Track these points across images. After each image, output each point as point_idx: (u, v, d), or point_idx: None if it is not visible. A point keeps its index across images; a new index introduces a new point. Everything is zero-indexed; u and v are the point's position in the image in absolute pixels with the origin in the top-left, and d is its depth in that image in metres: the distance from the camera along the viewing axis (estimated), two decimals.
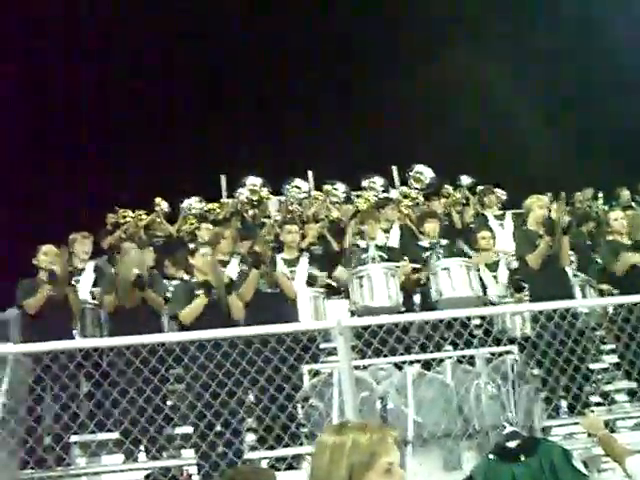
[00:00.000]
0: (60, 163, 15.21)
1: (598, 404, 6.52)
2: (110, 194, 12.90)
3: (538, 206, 7.17)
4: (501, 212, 10.29)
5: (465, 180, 12.10)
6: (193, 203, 11.86)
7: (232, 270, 7.45)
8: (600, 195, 12.82)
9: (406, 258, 8.01)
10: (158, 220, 11.20)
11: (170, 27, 16.53)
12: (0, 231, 13.11)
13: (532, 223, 7.19)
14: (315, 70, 17.79)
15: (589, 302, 7.14)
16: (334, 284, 8.78)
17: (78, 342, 5.47)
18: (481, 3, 17.57)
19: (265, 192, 11.65)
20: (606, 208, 11.58)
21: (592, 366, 6.80)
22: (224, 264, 7.49)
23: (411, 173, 12.27)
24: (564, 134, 16.90)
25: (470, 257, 8.46)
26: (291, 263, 7.95)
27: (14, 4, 14.95)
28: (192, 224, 11.19)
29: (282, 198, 11.98)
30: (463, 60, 17.01)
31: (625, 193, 12.60)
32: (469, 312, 5.75)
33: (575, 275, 8.14)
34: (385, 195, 11.69)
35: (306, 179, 12.79)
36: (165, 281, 8.01)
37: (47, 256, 6.82)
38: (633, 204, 12.48)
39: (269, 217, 11.41)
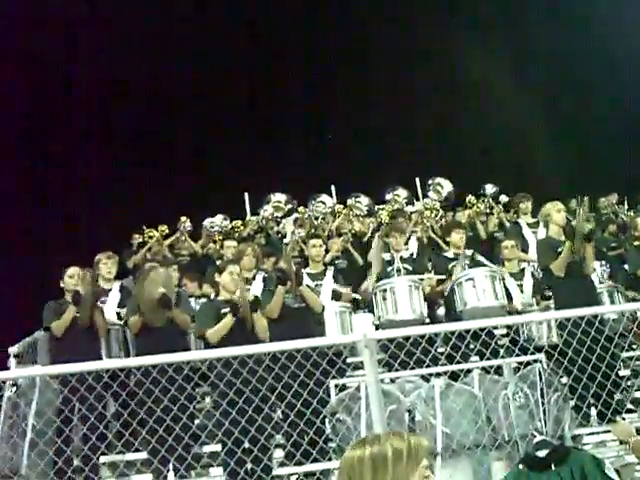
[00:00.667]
0: (88, 184, 15.40)
1: (629, 411, 6.43)
2: (135, 214, 13.00)
3: (556, 210, 7.11)
4: (535, 220, 10.20)
5: (489, 189, 12.06)
6: (217, 221, 11.89)
7: (257, 287, 7.46)
8: (625, 200, 12.74)
9: (431, 269, 8.00)
10: (182, 238, 11.26)
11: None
12: (30, 253, 13.29)
13: (553, 230, 7.13)
14: (333, 85, 17.87)
15: (616, 308, 7.06)
16: (359, 298, 8.78)
17: (104, 363, 5.47)
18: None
19: (292, 207, 11.71)
20: (632, 213, 11.46)
21: (622, 372, 6.73)
22: (248, 281, 7.50)
23: (431, 185, 12.26)
24: (584, 139, 16.81)
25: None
26: (316, 277, 7.99)
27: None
28: (216, 242, 11.24)
29: (297, 215, 11.96)
30: (483, 74, 17.01)
31: None
32: (495, 322, 5.69)
33: (601, 282, 8.07)
34: (398, 207, 11.66)
35: (330, 194, 12.82)
36: (191, 300, 8.06)
37: (72, 278, 6.89)
38: None
39: (293, 233, 11.43)
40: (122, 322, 7.34)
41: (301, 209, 11.59)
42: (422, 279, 7.68)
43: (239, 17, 17.52)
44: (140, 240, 11.13)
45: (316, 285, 7.82)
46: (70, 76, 16.41)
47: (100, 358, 6.68)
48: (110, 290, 7.89)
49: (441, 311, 8.02)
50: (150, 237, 11.05)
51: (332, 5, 18.04)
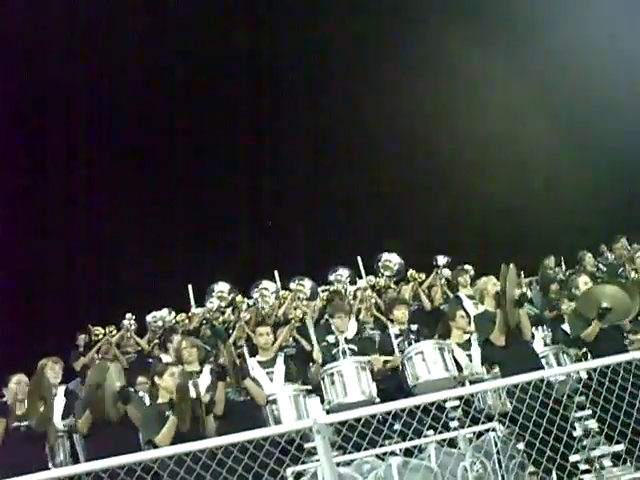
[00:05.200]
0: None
1: (585, 471, 6.47)
2: (77, 313, 12.80)
3: (492, 284, 7.29)
4: (473, 293, 10.36)
5: (441, 260, 12.22)
6: (159, 315, 11.84)
7: (204, 380, 7.39)
8: (562, 261, 13.11)
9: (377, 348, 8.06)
10: (128, 335, 11.14)
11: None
12: None
13: (488, 302, 7.29)
14: (276, 167, 18.08)
15: (560, 370, 7.15)
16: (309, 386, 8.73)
17: (51, 472, 5.29)
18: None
19: (237, 298, 11.67)
20: (568, 273, 11.78)
21: (575, 433, 6.79)
22: (196, 374, 7.44)
23: (379, 262, 12.40)
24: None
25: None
26: (267, 364, 7.95)
27: None
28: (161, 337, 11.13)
29: (250, 301, 11.96)
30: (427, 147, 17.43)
31: (589, 256, 12.83)
32: (446, 394, 5.73)
33: (546, 344, 8.23)
34: (333, 289, 11.77)
35: (273, 280, 12.84)
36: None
37: (19, 385, 6.71)
38: (599, 266, 12.72)
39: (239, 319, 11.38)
40: (67, 429, 7.16)
41: (239, 298, 11.59)
42: (369, 360, 7.74)
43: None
44: (86, 340, 10.95)
45: (267, 372, 7.80)
46: None
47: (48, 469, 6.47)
48: (55, 395, 7.71)
49: None
50: (97, 335, 10.89)
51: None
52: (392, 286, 12.09)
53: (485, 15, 17.50)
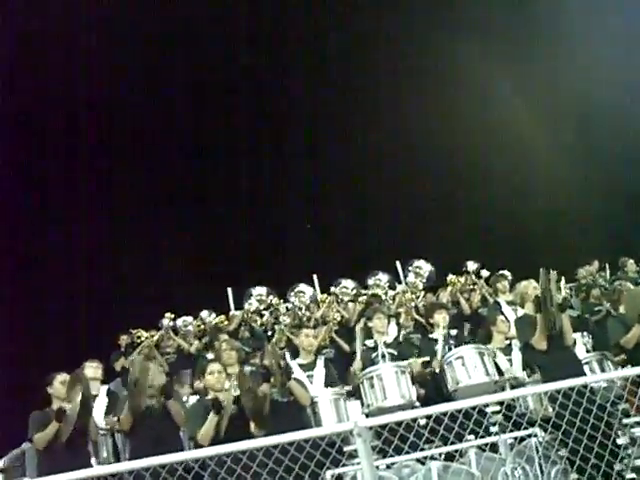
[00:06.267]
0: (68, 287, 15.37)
1: None
2: (119, 316, 12.97)
3: (532, 287, 7.23)
4: (513, 298, 10.26)
5: (471, 266, 12.16)
6: (202, 317, 11.96)
7: None
8: (607, 267, 12.91)
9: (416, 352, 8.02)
10: (168, 336, 11.25)
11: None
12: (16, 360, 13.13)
13: (529, 307, 7.23)
14: (318, 170, 18.15)
15: (603, 376, 7.06)
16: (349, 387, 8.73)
17: (93, 470, 5.35)
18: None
19: (274, 300, 11.73)
20: (616, 282, 11.59)
21: (619, 441, 6.67)
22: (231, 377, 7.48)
23: (410, 268, 12.37)
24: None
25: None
26: (308, 367, 7.95)
27: None
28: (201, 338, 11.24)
29: (289, 304, 12.02)
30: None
31: (631, 262, 12.65)
32: (486, 399, 5.67)
33: (588, 351, 8.11)
34: (373, 292, 11.75)
35: (312, 283, 12.88)
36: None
37: (63, 385, 6.78)
38: None
39: (280, 323, 11.43)
40: (109, 428, 7.24)
41: (275, 300, 11.64)
42: (409, 363, 7.71)
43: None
44: (128, 341, 11.09)
45: (308, 376, 7.80)
46: None
47: (91, 466, 6.55)
48: (97, 396, 7.80)
49: None
50: (139, 338, 11.02)
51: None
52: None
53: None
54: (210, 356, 9.26)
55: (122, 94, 16.73)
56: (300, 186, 18.22)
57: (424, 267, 12.31)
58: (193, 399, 8.03)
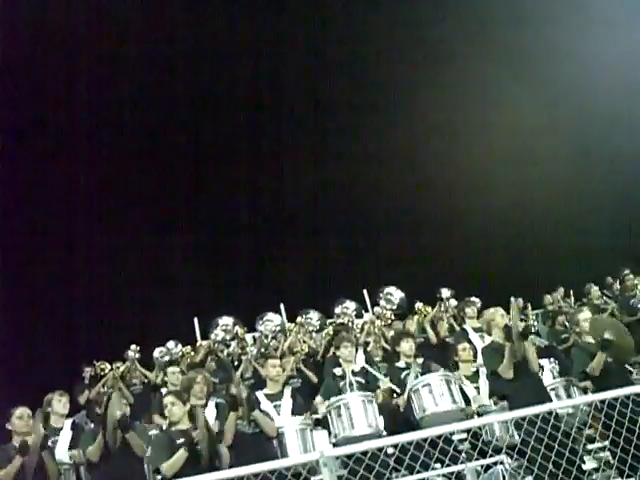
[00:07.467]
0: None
1: None
2: (83, 347, 12.81)
3: (499, 315, 7.29)
4: (480, 324, 10.32)
5: (445, 293, 12.22)
6: (165, 349, 11.87)
7: (210, 414, 7.35)
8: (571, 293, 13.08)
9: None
10: (133, 367, 11.16)
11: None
12: None
13: (496, 334, 7.28)
14: (280, 198, 18.16)
15: (568, 402, 7.09)
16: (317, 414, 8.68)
17: None
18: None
19: (240, 330, 11.66)
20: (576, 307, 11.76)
21: (584, 467, 6.70)
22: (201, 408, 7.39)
23: (381, 295, 12.39)
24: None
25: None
26: (275, 397, 7.90)
27: None
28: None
29: (256, 334, 11.98)
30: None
31: (595, 289, 12.84)
32: (452, 427, 5.67)
33: (554, 377, 8.17)
34: (341, 321, 11.75)
35: (279, 312, 12.85)
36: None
37: (21, 419, 6.68)
38: (604, 299, 12.71)
39: (246, 353, 11.37)
40: (73, 462, 7.12)
41: (241, 331, 11.58)
42: (378, 386, 7.70)
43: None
44: (92, 373, 10.97)
45: (275, 406, 7.76)
46: None
47: None
48: (61, 428, 7.69)
49: None
50: (102, 370, 10.91)
51: None
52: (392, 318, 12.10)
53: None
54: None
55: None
56: (270, 214, 18.22)
57: (395, 294, 12.33)
58: None
